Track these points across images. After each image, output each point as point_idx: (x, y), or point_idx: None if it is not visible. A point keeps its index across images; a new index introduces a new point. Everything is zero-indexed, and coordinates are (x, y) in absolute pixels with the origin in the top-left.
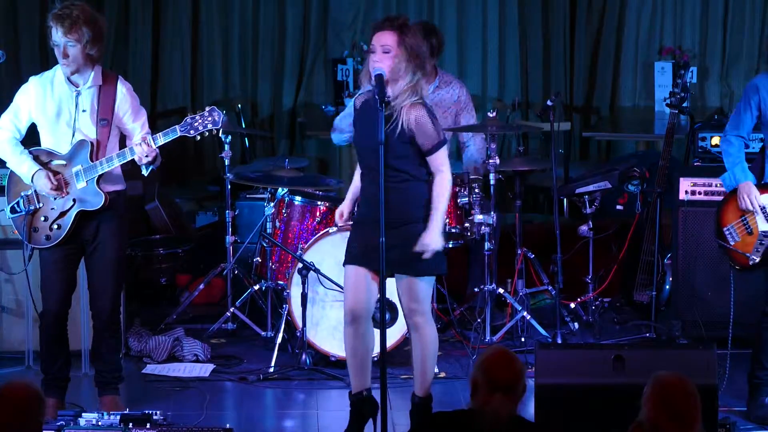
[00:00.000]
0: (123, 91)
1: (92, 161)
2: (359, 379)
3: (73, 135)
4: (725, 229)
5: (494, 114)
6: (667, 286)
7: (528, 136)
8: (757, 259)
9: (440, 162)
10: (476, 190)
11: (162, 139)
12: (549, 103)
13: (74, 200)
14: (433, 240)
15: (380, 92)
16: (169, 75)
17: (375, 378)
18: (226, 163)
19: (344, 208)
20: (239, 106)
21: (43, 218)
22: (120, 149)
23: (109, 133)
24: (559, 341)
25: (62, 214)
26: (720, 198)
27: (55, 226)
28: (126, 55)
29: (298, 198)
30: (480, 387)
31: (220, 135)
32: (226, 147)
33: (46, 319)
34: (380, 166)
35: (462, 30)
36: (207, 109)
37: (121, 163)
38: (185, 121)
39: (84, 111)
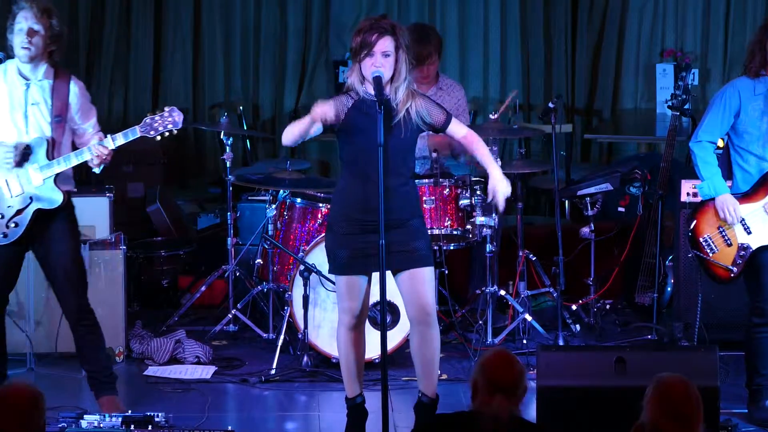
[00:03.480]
0: (75, 89)
1: (49, 159)
2: (355, 385)
3: (27, 128)
4: (702, 239)
5: (496, 116)
6: (669, 288)
7: (529, 139)
8: (737, 271)
9: (459, 125)
10: (478, 192)
11: (121, 140)
12: (550, 105)
13: (31, 198)
14: (503, 183)
15: (379, 94)
16: (170, 77)
17: (376, 380)
18: (228, 165)
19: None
20: (241, 108)
21: None
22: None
23: (64, 130)
24: (561, 343)
25: (19, 211)
26: None
27: (12, 224)
28: (127, 56)
29: (299, 200)
30: (480, 388)
31: (222, 137)
32: (228, 149)
33: None
34: (380, 168)
35: (463, 32)
36: (167, 109)
37: (78, 162)
38: (144, 121)
39: (34, 104)
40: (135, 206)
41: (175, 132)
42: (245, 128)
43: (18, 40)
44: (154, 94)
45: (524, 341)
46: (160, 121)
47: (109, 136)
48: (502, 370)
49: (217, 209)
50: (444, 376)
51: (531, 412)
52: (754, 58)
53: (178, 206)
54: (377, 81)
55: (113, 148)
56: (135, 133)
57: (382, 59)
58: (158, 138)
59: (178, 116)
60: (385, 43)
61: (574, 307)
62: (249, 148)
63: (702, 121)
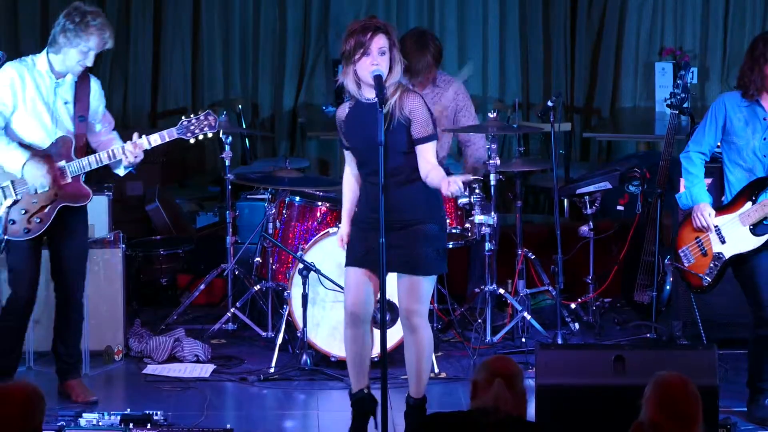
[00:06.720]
0: (95, 87)
1: (77, 157)
2: (359, 379)
3: (55, 125)
4: (681, 251)
5: (495, 115)
6: (668, 287)
7: (528, 137)
8: (710, 281)
9: (431, 155)
10: (477, 191)
11: (157, 140)
12: (550, 103)
13: (56, 194)
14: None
15: (380, 92)
16: (169, 75)
17: (375, 378)
18: (227, 164)
19: (344, 232)
20: (240, 106)
21: (22, 211)
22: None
23: (86, 129)
24: (560, 342)
25: (42, 207)
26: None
27: (36, 219)
28: (127, 54)
29: (298, 198)
30: (480, 381)
31: (220, 135)
32: (227, 148)
33: (16, 306)
34: (380, 166)
35: (463, 31)
36: (203, 112)
37: (109, 161)
38: (181, 123)
39: (66, 103)
40: (134, 205)
41: (210, 135)
42: (244, 127)
43: (80, 58)
44: (153, 93)
45: (523, 340)
46: (196, 124)
47: (144, 136)
48: (501, 361)
49: (216, 208)
50: (443, 375)
51: (530, 411)
52: (750, 84)
53: (177, 205)
54: (378, 80)
55: (148, 148)
56: (172, 134)
57: (379, 57)
58: (193, 140)
59: (214, 120)
60: (380, 41)
61: (573, 306)
62: (248, 146)
63: (693, 135)
